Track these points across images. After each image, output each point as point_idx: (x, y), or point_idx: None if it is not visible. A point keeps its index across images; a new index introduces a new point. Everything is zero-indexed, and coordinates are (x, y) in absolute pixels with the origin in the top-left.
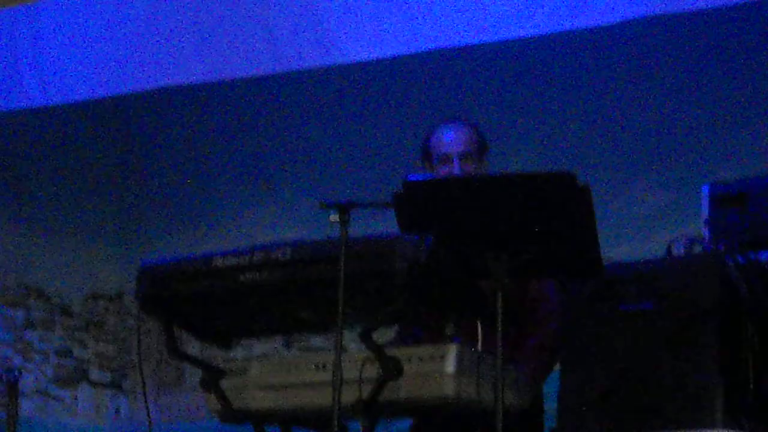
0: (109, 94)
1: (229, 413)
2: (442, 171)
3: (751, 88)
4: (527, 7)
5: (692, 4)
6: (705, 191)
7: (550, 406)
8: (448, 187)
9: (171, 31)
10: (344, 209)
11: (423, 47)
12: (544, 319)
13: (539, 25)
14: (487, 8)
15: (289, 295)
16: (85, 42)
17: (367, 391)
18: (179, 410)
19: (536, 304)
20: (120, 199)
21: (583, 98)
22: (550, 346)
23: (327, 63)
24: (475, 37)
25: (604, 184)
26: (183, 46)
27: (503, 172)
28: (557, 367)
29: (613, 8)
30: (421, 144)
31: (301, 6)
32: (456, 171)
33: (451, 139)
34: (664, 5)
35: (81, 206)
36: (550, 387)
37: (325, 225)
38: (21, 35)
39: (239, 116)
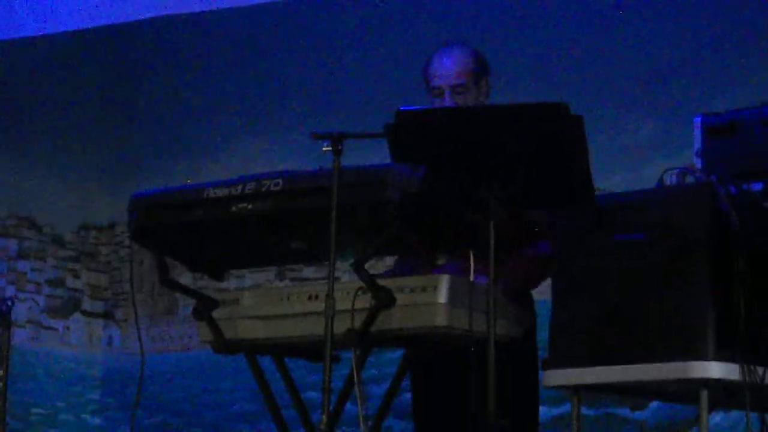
0: (103, 24)
1: (222, 343)
2: (435, 103)
3: (744, 17)
4: None
5: None
6: (697, 122)
7: (542, 336)
8: (441, 117)
9: None
10: (336, 139)
11: None
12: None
13: None
14: None
15: (281, 226)
16: None
17: (359, 321)
18: (172, 340)
19: (534, 226)
20: (112, 129)
21: (576, 29)
22: (542, 259)
23: None
24: None
25: (596, 115)
26: None
27: (497, 102)
28: (549, 296)
29: None
30: (422, 69)
31: None
32: (447, 104)
33: (443, 71)
34: None
35: (73, 136)
36: (542, 318)
37: (318, 156)
38: None
39: (232, 47)
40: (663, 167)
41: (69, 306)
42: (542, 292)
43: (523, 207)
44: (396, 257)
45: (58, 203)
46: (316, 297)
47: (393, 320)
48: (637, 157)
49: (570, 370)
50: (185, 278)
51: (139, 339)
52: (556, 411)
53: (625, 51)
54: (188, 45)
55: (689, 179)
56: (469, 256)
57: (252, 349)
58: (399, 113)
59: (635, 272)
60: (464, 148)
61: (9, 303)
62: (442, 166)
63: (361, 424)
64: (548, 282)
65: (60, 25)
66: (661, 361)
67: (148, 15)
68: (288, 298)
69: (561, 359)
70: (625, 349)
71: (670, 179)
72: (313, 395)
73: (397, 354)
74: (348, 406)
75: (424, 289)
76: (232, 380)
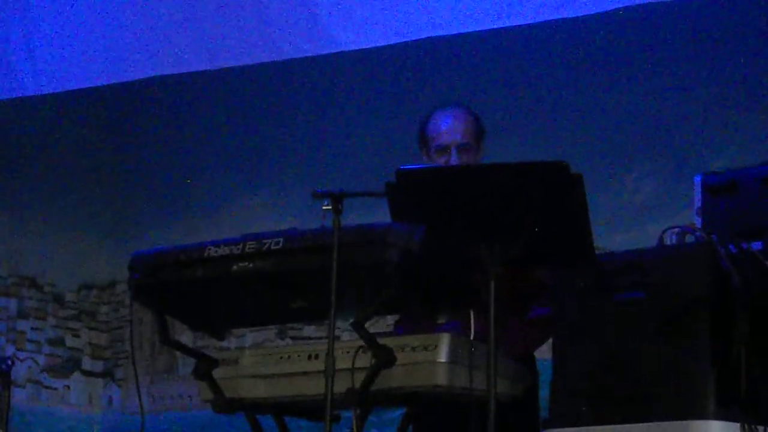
0: (102, 83)
1: (222, 402)
2: (440, 162)
3: (745, 77)
4: None
5: None
6: (697, 181)
7: (543, 395)
8: (441, 176)
9: (164, 19)
10: (337, 198)
11: (415, 36)
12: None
13: (531, 14)
14: None
15: (282, 285)
16: (77, 31)
17: (359, 380)
18: (172, 399)
19: (540, 287)
20: (112, 188)
21: (576, 88)
22: (541, 322)
23: (320, 52)
24: (467, 26)
25: (597, 174)
26: (176, 35)
27: (496, 161)
28: (549, 356)
29: None
30: (418, 128)
31: None
32: (453, 162)
33: (448, 129)
34: None
35: (73, 195)
36: (543, 376)
37: (318, 214)
38: (13, 24)
39: (232, 105)
40: (663, 226)
41: (69, 365)
42: (543, 351)
43: (523, 266)
44: (397, 318)
45: (58, 262)
46: (317, 356)
47: (393, 379)
48: (637, 215)
49: (571, 430)
50: (185, 337)
51: (139, 398)
52: None
53: (626, 109)
54: (187, 104)
55: (689, 238)
56: (470, 315)
57: (252, 408)
58: (399, 172)
59: (636, 331)
60: (464, 207)
61: (9, 362)
62: (442, 225)
63: None
64: (549, 341)
65: (59, 85)
66: (661, 420)
67: (147, 74)
68: (288, 357)
69: (561, 418)
70: (626, 408)
71: (670, 238)
72: None
73: (398, 413)
74: None
75: (424, 348)
76: None
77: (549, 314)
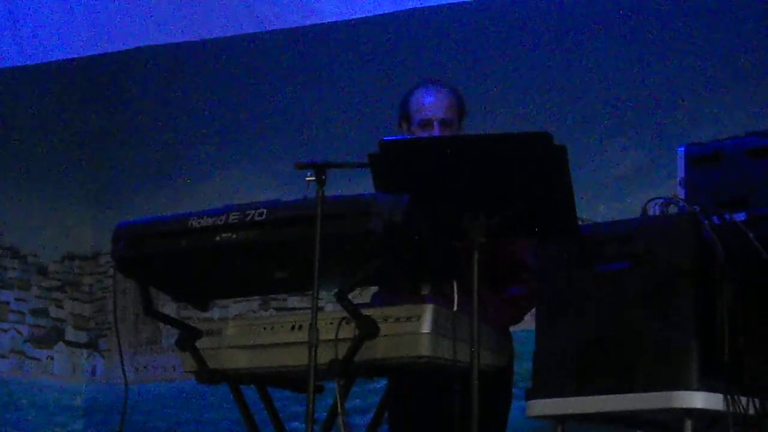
0: (86, 54)
1: (205, 373)
2: (422, 136)
3: (728, 48)
4: None
5: None
6: (681, 152)
7: (526, 366)
8: (424, 147)
9: None
10: (320, 169)
11: (400, 6)
12: (526, 279)
13: None
14: None
15: (265, 256)
16: (62, 2)
17: (343, 351)
18: (155, 370)
19: (518, 266)
20: (96, 159)
21: (559, 59)
22: (528, 298)
23: (305, 23)
24: None
25: (580, 145)
26: (160, 6)
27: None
28: (532, 326)
29: None
30: (399, 104)
31: None
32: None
33: (431, 104)
34: None
35: (57, 166)
36: (526, 347)
37: (302, 185)
38: None
39: (216, 76)
40: (647, 197)
41: (52, 336)
42: (527, 322)
43: (506, 236)
44: (375, 290)
45: (41, 233)
46: (300, 327)
47: (377, 350)
48: (620, 187)
49: (553, 400)
50: (169, 308)
51: (122, 369)
52: None
53: (609, 80)
54: (171, 75)
55: (673, 209)
56: (453, 286)
57: (235, 379)
58: (382, 143)
59: (619, 302)
60: (448, 178)
61: None
62: (425, 196)
63: None
64: (532, 312)
65: (44, 55)
66: (645, 390)
67: (132, 45)
68: (272, 328)
69: (545, 388)
70: (610, 379)
71: (653, 209)
72: (296, 425)
73: (381, 384)
74: None
75: (407, 319)
76: (216, 410)
77: (524, 294)
